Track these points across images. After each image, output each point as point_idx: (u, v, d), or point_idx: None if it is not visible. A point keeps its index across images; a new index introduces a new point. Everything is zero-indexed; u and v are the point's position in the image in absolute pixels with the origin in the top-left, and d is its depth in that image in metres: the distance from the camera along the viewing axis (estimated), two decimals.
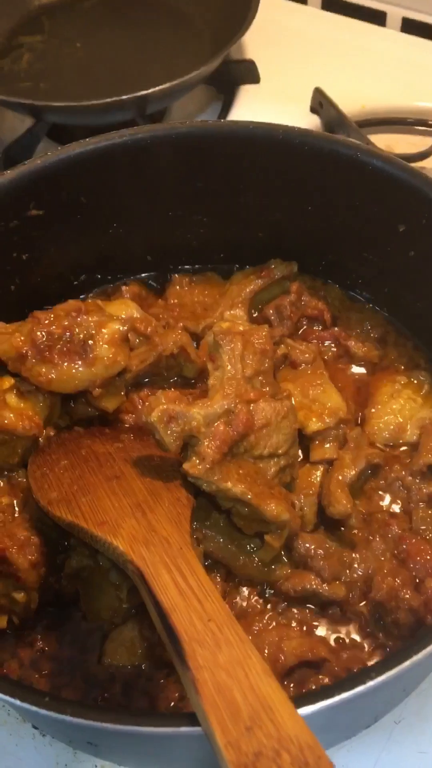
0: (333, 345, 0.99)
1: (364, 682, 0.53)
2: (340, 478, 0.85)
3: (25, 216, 0.93)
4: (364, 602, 0.81)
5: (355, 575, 0.81)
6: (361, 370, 0.99)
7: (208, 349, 0.85)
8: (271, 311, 0.99)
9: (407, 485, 0.87)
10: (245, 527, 0.81)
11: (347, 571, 0.82)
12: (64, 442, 0.89)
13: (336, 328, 1.00)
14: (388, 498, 0.88)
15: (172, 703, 0.77)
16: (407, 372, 0.96)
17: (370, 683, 0.53)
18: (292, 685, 0.77)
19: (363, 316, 1.03)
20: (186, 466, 0.77)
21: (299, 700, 0.54)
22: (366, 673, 0.54)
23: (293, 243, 1.02)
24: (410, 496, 0.87)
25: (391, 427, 0.90)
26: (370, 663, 0.76)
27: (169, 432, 0.77)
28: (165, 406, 0.77)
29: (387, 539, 0.83)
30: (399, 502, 0.88)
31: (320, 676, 0.76)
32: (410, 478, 0.87)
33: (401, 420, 0.91)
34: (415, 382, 0.95)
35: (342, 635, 0.81)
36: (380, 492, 0.88)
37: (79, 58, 1.54)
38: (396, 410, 0.91)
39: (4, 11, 1.61)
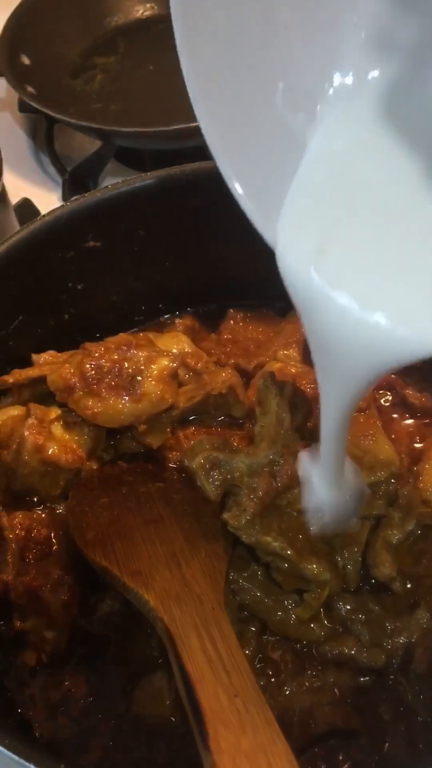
0: (388, 393, 0.95)
1: None
2: (388, 537, 0.81)
3: (82, 247, 0.92)
4: (404, 674, 0.77)
5: (397, 644, 0.77)
6: (417, 421, 0.95)
7: (258, 393, 0.83)
8: None
9: None
10: (284, 583, 0.78)
11: (389, 639, 0.78)
12: (106, 478, 0.88)
13: (392, 375, 0.96)
14: None
15: None
16: None
17: None
18: (321, 753, 0.74)
19: (423, 363, 0.99)
20: (226, 516, 0.75)
21: None
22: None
23: None
24: None
25: None
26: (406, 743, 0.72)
27: (210, 480, 0.75)
28: (208, 453, 0.75)
29: None
30: None
31: (350, 749, 0.73)
32: None
33: None
34: None
35: (378, 707, 0.77)
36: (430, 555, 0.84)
37: (151, 81, 1.54)
38: None
39: (82, 32, 1.62)
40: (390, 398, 0.96)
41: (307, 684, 0.78)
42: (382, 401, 0.95)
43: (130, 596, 0.71)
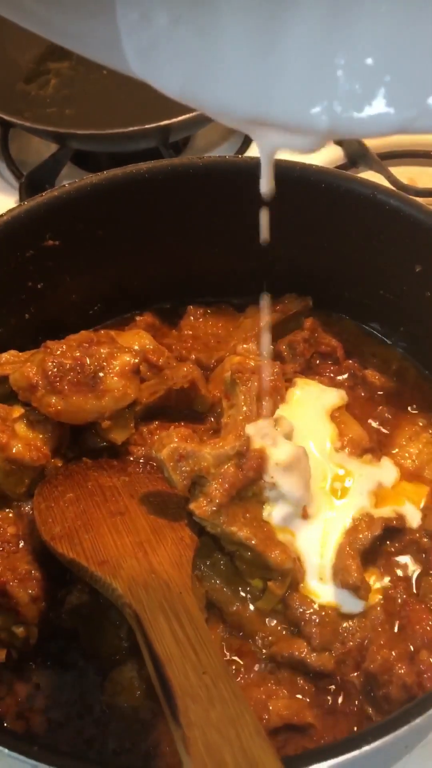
0: (349, 376, 0.98)
1: (359, 747, 0.52)
2: (354, 543, 0.82)
3: (41, 246, 0.93)
4: (356, 672, 0.78)
5: (350, 644, 0.79)
6: (383, 405, 0.97)
7: (225, 386, 0.84)
8: (284, 347, 0.98)
9: (424, 548, 0.84)
10: (247, 572, 0.80)
11: (341, 641, 0.79)
12: (71, 473, 0.88)
13: (350, 361, 0.99)
14: (404, 560, 0.86)
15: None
16: (426, 414, 0.95)
17: (366, 747, 0.52)
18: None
19: (378, 350, 1.02)
20: (192, 506, 0.76)
21: (291, 762, 0.52)
22: (363, 738, 0.53)
23: (309, 278, 1.02)
24: (427, 558, 0.84)
25: (408, 468, 0.88)
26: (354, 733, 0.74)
27: (178, 471, 0.76)
28: (176, 445, 0.76)
29: (391, 603, 0.81)
30: (417, 565, 0.85)
31: (303, 742, 0.74)
32: (426, 540, 0.84)
33: (419, 464, 0.89)
34: None
35: (330, 703, 0.78)
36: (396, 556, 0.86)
37: (104, 85, 1.55)
38: (414, 454, 0.90)
39: (35, 37, 1.61)
40: (350, 382, 0.98)
41: (263, 679, 0.79)
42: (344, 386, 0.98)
43: (98, 585, 0.72)
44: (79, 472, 0.89)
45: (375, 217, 0.90)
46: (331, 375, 0.98)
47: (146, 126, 1.29)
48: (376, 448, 0.90)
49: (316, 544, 0.84)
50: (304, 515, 0.82)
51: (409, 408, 0.97)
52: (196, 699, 0.54)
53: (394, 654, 0.77)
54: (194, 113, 1.30)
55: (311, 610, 0.80)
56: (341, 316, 1.05)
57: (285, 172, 0.93)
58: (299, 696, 0.78)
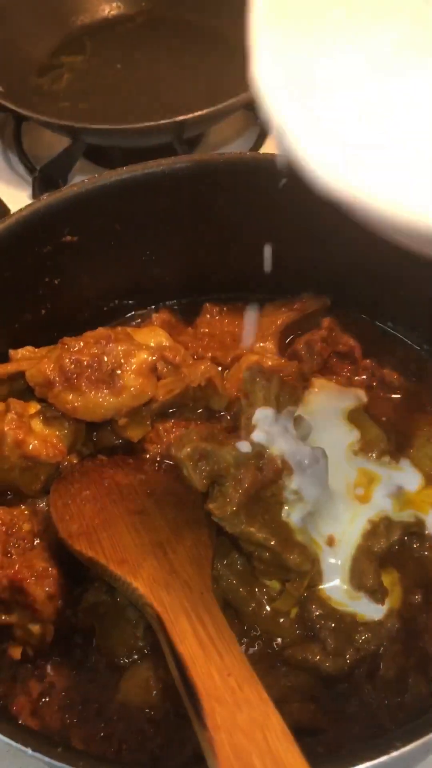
0: (367, 376, 0.97)
1: (388, 752, 0.51)
2: (371, 547, 0.82)
3: (59, 241, 0.93)
4: (371, 679, 0.78)
5: (363, 653, 0.78)
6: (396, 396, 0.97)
7: (244, 385, 0.84)
8: (301, 346, 0.98)
9: None
10: (265, 572, 0.80)
11: (355, 647, 0.78)
12: (87, 471, 0.88)
13: (368, 360, 0.99)
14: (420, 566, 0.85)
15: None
16: None
17: (394, 753, 0.51)
18: None
19: (396, 350, 1.02)
20: (212, 506, 0.76)
21: (319, 766, 0.52)
22: (390, 742, 0.52)
23: (326, 277, 1.01)
24: None
25: (427, 470, 0.88)
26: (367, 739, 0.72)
27: (197, 470, 0.76)
28: (196, 444, 0.76)
29: (407, 610, 0.80)
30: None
31: (314, 746, 0.73)
32: None
33: None
34: None
35: (342, 708, 0.77)
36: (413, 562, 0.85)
37: (118, 79, 1.55)
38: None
39: (48, 31, 1.62)
40: (369, 381, 0.97)
41: (277, 681, 0.78)
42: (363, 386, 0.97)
43: (118, 585, 0.71)
44: (95, 469, 0.88)
45: None
46: (349, 375, 0.97)
47: (161, 122, 1.28)
48: (394, 449, 0.89)
49: (335, 547, 0.83)
50: (330, 542, 0.82)
51: (427, 408, 0.97)
52: (222, 702, 0.54)
53: (410, 661, 0.76)
54: (209, 109, 1.29)
55: (327, 615, 0.79)
56: (359, 315, 1.04)
57: None
58: (312, 700, 0.78)
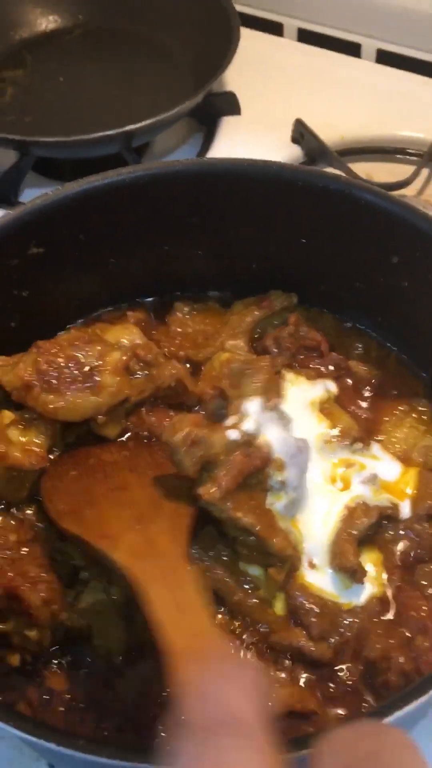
0: (334, 368, 1.01)
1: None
2: (351, 528, 0.84)
3: (25, 254, 0.94)
4: (355, 661, 0.80)
5: (348, 633, 0.80)
6: (368, 393, 1.00)
7: (231, 375, 0.86)
8: (270, 342, 1.01)
9: (417, 533, 0.87)
10: (248, 558, 0.83)
11: (339, 631, 0.81)
12: (74, 452, 0.91)
13: (333, 353, 1.02)
14: (398, 547, 0.88)
15: None
16: (407, 399, 0.99)
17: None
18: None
19: (359, 341, 1.06)
20: (201, 490, 0.78)
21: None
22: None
23: (288, 274, 1.05)
24: (421, 543, 0.86)
25: (398, 453, 0.92)
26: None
27: (190, 455, 0.78)
28: (189, 430, 0.78)
29: (389, 589, 0.83)
30: (410, 552, 0.87)
31: (306, 728, 0.76)
32: (417, 525, 0.87)
33: (406, 448, 0.92)
34: (420, 409, 0.97)
35: (330, 691, 0.80)
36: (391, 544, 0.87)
37: (62, 92, 1.56)
38: (401, 439, 0.93)
39: None
40: (336, 373, 1.01)
41: (265, 667, 0.80)
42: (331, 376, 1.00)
43: (101, 559, 0.74)
44: (83, 450, 0.91)
45: (351, 212, 0.93)
46: (317, 368, 1.00)
47: (110, 132, 1.30)
48: (365, 436, 0.93)
49: (315, 532, 0.86)
50: (309, 528, 0.84)
51: (391, 394, 1.01)
52: (191, 659, 0.56)
53: (391, 642, 0.79)
54: (158, 117, 1.32)
55: (310, 600, 0.82)
56: (321, 310, 1.08)
57: (261, 171, 0.97)
58: (301, 684, 0.80)
